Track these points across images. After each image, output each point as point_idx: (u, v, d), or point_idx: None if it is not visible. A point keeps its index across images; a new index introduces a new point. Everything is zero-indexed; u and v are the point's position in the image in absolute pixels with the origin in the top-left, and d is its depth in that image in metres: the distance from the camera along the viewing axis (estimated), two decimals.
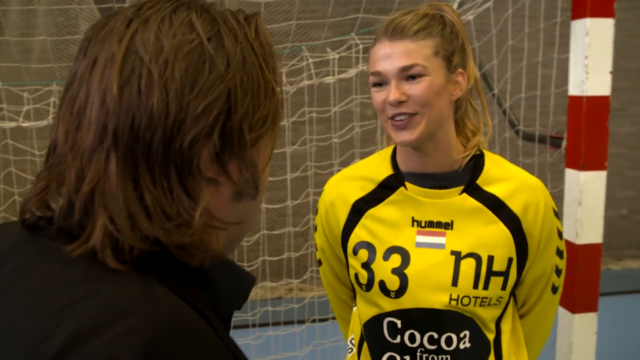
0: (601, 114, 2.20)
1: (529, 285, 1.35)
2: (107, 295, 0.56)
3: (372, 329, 1.35)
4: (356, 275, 1.35)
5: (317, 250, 1.51)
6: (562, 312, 2.26)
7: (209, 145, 0.61)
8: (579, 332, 2.25)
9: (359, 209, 1.36)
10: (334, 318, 3.25)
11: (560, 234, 1.35)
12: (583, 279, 2.21)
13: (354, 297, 1.48)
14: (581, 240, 2.21)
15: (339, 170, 1.60)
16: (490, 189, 1.30)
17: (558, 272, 1.37)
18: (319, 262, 1.53)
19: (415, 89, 1.22)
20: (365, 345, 1.40)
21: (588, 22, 2.14)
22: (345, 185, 1.39)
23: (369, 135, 3.06)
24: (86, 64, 0.62)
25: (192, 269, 0.62)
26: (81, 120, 0.60)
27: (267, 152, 0.69)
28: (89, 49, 0.63)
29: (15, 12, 3.74)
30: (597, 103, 2.19)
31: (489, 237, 1.28)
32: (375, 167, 1.38)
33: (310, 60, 2.85)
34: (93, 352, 0.51)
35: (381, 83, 1.25)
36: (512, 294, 1.38)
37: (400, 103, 1.22)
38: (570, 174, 2.25)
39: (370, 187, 1.36)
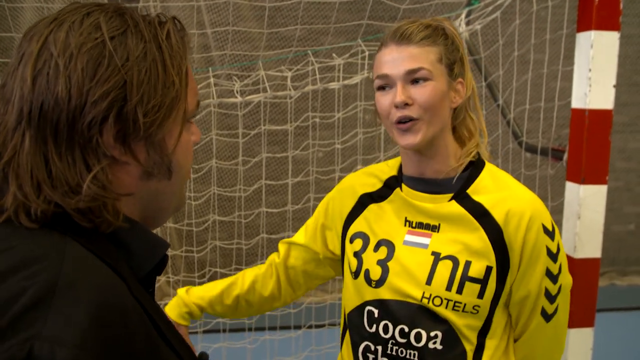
0: (603, 128, 2.17)
1: (517, 304, 1.34)
2: (23, 247, 0.69)
3: (354, 317, 1.40)
4: (349, 263, 1.42)
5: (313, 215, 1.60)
6: None
7: (107, 126, 0.71)
8: (575, 347, 2.22)
9: (363, 202, 1.44)
10: (330, 324, 3.26)
11: (552, 255, 1.31)
12: (580, 294, 2.19)
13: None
14: (579, 255, 2.19)
15: (340, 177, 1.68)
16: (478, 198, 1.32)
17: (549, 296, 1.32)
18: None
19: (420, 92, 1.26)
20: (347, 335, 1.45)
21: (593, 34, 2.13)
22: (360, 180, 1.49)
23: (372, 141, 3.06)
24: (15, 59, 0.74)
25: (102, 231, 0.74)
26: (8, 105, 0.73)
27: (174, 137, 0.79)
28: (21, 46, 0.74)
29: (31, 9, 3.77)
30: (599, 116, 2.16)
31: (470, 243, 1.29)
32: (387, 168, 1.47)
33: (316, 66, 2.85)
34: (9, 286, 0.64)
35: (385, 86, 1.30)
36: (508, 312, 1.36)
37: (405, 105, 1.26)
38: (570, 187, 2.23)
39: (378, 186, 1.45)
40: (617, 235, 5.57)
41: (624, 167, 5.50)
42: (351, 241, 1.43)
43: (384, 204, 1.41)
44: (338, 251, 1.52)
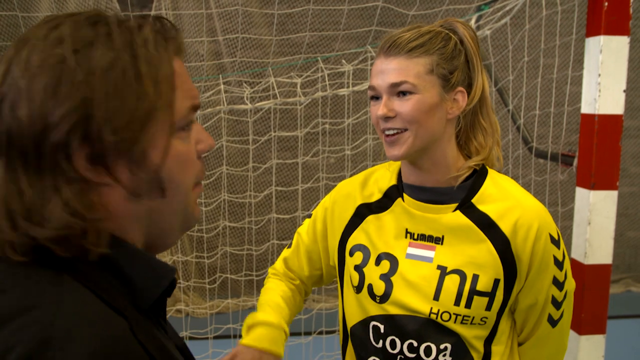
0: (613, 133, 2.16)
1: (523, 312, 1.33)
2: (15, 292, 0.64)
3: (359, 332, 1.37)
4: (350, 276, 1.38)
5: (310, 217, 1.52)
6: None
7: (75, 148, 0.66)
8: (586, 354, 2.21)
9: (361, 213, 1.40)
10: None
11: (559, 264, 1.29)
12: (591, 300, 2.18)
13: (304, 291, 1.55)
14: (590, 261, 2.17)
15: None
16: (483, 208, 1.28)
17: (556, 303, 1.32)
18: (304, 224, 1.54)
19: (403, 106, 1.23)
20: (348, 348, 1.42)
21: (602, 39, 2.12)
22: (358, 188, 1.43)
23: (381, 147, 3.07)
24: None
25: (105, 262, 0.68)
26: None
27: (159, 150, 0.71)
28: None
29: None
30: (609, 122, 2.15)
31: (476, 256, 1.27)
32: (385, 175, 1.41)
33: (325, 72, 2.86)
34: None
35: (377, 97, 1.27)
36: (513, 318, 1.36)
37: (388, 118, 1.24)
38: (580, 193, 2.21)
39: (377, 196, 1.39)
40: (633, 241, 5.51)
41: (638, 172, 5.45)
42: (351, 254, 1.39)
43: (382, 215, 1.36)
44: (335, 261, 1.48)
